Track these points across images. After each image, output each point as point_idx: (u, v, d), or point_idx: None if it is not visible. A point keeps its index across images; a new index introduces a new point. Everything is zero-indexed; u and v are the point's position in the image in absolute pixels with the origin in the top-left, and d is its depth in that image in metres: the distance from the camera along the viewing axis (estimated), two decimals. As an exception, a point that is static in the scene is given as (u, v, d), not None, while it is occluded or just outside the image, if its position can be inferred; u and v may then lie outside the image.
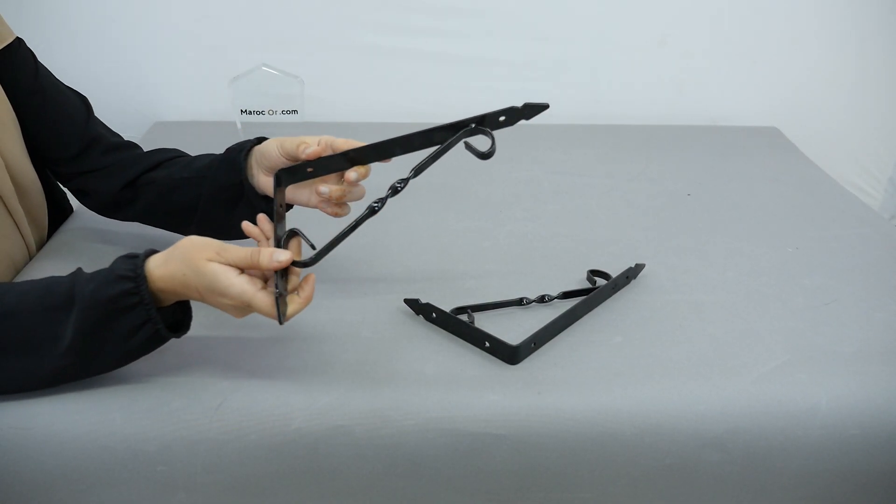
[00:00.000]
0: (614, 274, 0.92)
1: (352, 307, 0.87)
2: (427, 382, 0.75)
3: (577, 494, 0.75)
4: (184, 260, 0.68)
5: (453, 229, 1.09)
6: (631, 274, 0.94)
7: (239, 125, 1.37)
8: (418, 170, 0.76)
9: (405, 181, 0.76)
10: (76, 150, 0.95)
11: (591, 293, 0.88)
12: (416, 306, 0.86)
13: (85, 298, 0.67)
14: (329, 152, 0.78)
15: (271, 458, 0.72)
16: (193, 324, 0.75)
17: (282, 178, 0.80)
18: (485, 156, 0.74)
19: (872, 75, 1.59)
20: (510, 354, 0.78)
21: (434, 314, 0.84)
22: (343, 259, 0.97)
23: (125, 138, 0.99)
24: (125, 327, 0.68)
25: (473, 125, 0.76)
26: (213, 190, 0.88)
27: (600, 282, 0.92)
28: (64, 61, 1.17)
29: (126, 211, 0.96)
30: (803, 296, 0.93)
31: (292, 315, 0.69)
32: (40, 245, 1.01)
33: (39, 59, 0.97)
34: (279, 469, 0.72)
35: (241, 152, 0.85)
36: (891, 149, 1.67)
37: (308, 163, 0.79)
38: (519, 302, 0.89)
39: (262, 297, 0.67)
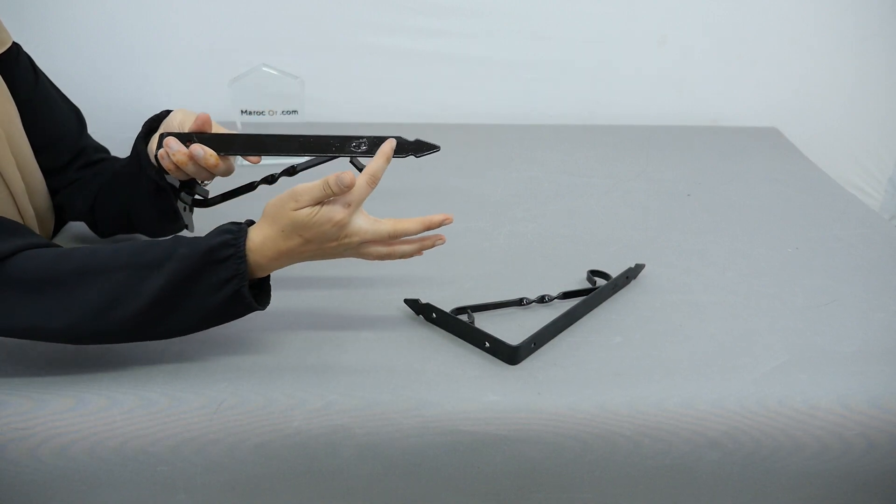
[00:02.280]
0: (614, 274, 0.92)
1: (352, 307, 0.88)
2: (427, 382, 0.75)
3: (577, 494, 0.75)
4: (273, 220, 0.70)
5: (453, 229, 1.08)
6: (631, 274, 0.94)
7: (239, 125, 1.37)
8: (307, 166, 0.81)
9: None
10: (63, 163, 0.95)
11: (591, 293, 0.88)
12: (416, 306, 0.86)
13: (181, 251, 0.69)
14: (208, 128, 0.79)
15: (271, 459, 0.72)
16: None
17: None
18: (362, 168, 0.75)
19: (872, 75, 1.59)
20: (510, 354, 0.78)
21: (434, 314, 0.84)
22: (343, 259, 0.97)
23: (125, 138, 0.99)
24: (214, 279, 0.70)
25: (358, 146, 0.77)
26: (122, 165, 0.89)
27: (600, 282, 0.92)
28: (64, 61, 1.17)
29: (100, 227, 0.97)
30: (803, 296, 0.93)
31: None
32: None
33: (41, 60, 0.96)
34: (279, 469, 0.72)
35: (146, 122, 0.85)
36: (891, 149, 1.67)
37: (193, 135, 0.79)
38: (519, 302, 0.89)
39: (358, 217, 0.72)
